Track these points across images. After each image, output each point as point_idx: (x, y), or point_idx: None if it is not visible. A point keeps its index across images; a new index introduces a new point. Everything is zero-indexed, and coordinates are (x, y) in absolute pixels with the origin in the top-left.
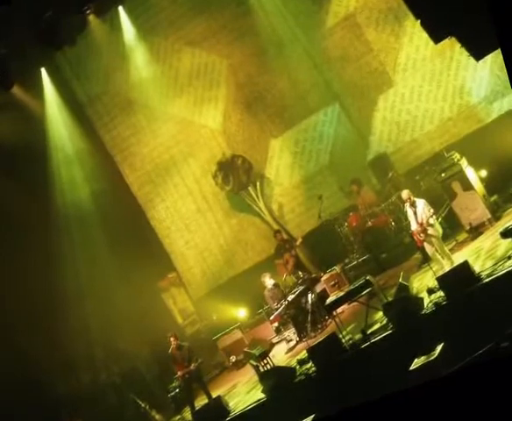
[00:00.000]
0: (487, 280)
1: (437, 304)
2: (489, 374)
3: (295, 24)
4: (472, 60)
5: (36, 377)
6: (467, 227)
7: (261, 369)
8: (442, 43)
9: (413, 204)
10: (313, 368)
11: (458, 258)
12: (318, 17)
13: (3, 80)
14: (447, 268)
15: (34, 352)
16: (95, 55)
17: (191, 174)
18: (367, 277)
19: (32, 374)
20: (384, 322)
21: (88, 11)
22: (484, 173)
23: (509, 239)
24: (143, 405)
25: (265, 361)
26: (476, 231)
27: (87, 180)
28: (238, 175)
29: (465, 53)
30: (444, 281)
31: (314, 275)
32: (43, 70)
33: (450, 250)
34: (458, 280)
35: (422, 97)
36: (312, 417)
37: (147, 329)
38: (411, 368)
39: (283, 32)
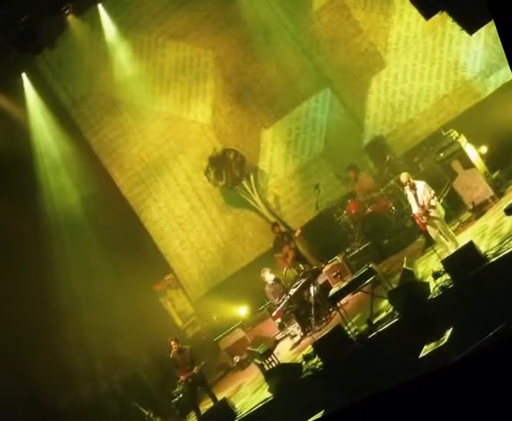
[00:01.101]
0: (493, 259)
1: (443, 288)
2: (501, 357)
3: (280, 10)
4: (465, 34)
5: (35, 392)
6: (470, 206)
7: (266, 368)
8: (433, 18)
9: (413, 187)
10: (320, 363)
11: (463, 239)
12: (304, 0)
13: None
14: (452, 250)
15: (32, 366)
16: (76, 56)
17: (182, 172)
18: (370, 265)
19: (31, 389)
20: (390, 310)
21: (66, 12)
22: (484, 149)
23: None
24: (146, 413)
25: (269, 359)
26: (479, 209)
27: (76, 185)
28: (230, 170)
29: (458, 28)
30: (450, 263)
31: (315, 267)
32: (24, 75)
33: (454, 231)
34: (464, 261)
35: (415, 76)
36: (322, 412)
37: (147, 334)
38: (421, 356)
39: (269, 18)
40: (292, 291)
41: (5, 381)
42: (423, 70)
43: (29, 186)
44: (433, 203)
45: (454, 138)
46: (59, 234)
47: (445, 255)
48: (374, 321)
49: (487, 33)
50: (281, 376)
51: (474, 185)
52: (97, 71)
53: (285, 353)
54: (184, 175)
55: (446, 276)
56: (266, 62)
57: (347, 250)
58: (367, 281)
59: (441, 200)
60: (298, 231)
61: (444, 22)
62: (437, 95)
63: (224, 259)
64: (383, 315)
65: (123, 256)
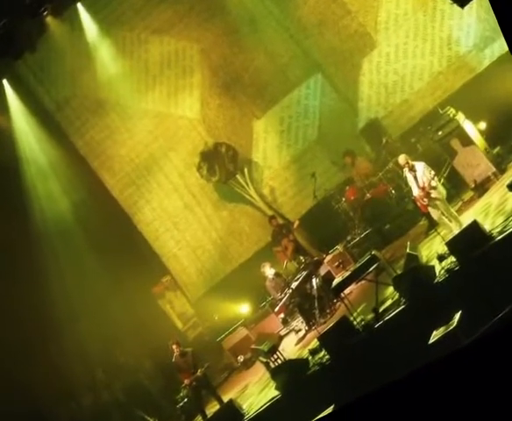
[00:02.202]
0: (499, 237)
1: (449, 271)
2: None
3: None
4: (456, 7)
5: (36, 407)
6: (472, 184)
7: (272, 365)
8: None
9: (412, 169)
10: (326, 357)
11: (466, 218)
12: None
13: None
14: (456, 231)
15: (30, 378)
16: (58, 58)
17: (174, 170)
18: (373, 252)
19: (31, 404)
20: (396, 297)
21: (45, 13)
22: (483, 125)
23: None
24: None
25: (275, 356)
26: (482, 187)
27: (65, 191)
28: (223, 164)
29: (449, 2)
30: (455, 244)
31: (316, 258)
32: (5, 82)
33: (456, 211)
34: (469, 241)
35: (408, 54)
36: (332, 407)
37: (147, 339)
38: (430, 342)
39: (254, 6)
40: (294, 285)
41: (3, 395)
42: (416, 48)
43: (16, 194)
44: (434, 183)
45: (451, 115)
46: (50, 243)
47: (449, 236)
48: (380, 309)
49: (479, 6)
50: (288, 373)
51: (475, 162)
52: (80, 72)
53: (290, 348)
54: (176, 173)
55: (451, 258)
56: (253, 51)
57: (348, 238)
58: (371, 268)
59: (441, 180)
60: (296, 223)
61: None
62: (432, 72)
63: (221, 256)
64: (389, 302)
65: (117, 260)
